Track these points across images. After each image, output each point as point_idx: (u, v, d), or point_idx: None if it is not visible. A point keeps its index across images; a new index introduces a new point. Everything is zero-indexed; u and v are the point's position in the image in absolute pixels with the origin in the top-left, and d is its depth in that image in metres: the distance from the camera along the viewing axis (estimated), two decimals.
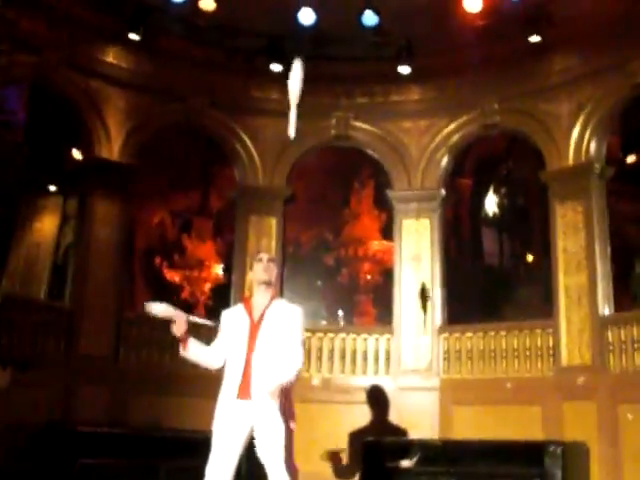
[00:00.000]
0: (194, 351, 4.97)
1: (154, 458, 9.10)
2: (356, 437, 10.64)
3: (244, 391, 4.80)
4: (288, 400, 4.92)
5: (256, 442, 4.82)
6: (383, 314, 14.32)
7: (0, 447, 9.20)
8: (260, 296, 5.03)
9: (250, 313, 4.98)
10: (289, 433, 4.85)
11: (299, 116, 6.63)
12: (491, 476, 8.95)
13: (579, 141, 11.07)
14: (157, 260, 15.72)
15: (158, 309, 4.87)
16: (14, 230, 13.43)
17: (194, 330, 5.07)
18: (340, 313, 15.18)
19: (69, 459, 8.68)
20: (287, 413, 4.86)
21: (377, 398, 11.28)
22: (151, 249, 15.69)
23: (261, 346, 4.85)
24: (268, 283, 5.03)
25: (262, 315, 4.95)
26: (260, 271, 5.04)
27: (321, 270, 16.23)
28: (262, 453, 4.81)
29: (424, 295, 11.64)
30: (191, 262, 15.68)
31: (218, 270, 15.74)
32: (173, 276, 15.70)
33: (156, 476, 8.96)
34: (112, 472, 8.82)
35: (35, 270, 13.41)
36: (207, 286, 15.69)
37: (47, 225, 13.84)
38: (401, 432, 10.83)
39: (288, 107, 5.65)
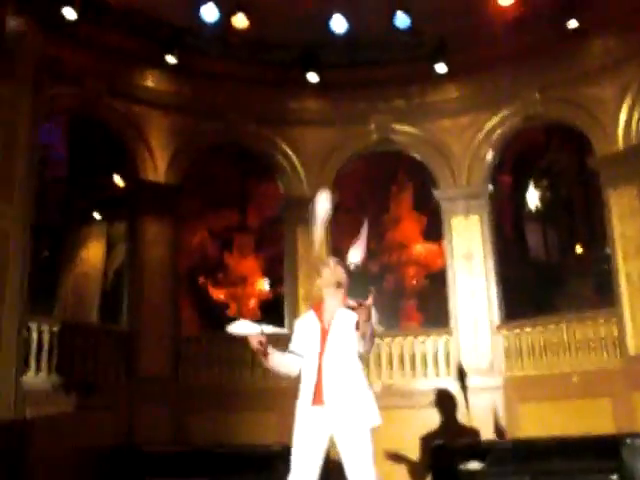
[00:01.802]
0: (276, 361, 4.93)
1: (220, 475, 9.12)
2: (422, 441, 10.57)
3: (318, 397, 4.72)
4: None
5: (338, 449, 4.76)
6: (430, 317, 14.22)
7: (70, 470, 9.29)
8: (330, 300, 4.95)
9: (321, 318, 4.93)
10: (371, 435, 4.79)
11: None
12: (566, 473, 8.84)
13: (627, 123, 10.89)
14: (201, 279, 15.71)
15: (238, 328, 4.81)
16: (60, 261, 13.55)
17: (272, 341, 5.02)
18: (380, 327, 14.96)
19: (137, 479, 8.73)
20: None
21: (440, 401, 11.18)
22: (194, 269, 15.67)
23: (331, 350, 4.79)
24: (338, 285, 4.97)
25: (332, 319, 4.89)
26: (328, 274, 4.99)
27: (366, 278, 16.11)
28: (345, 459, 4.75)
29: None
30: (235, 279, 15.66)
31: (263, 285, 15.71)
32: (218, 294, 15.69)
33: None
34: None
35: (85, 298, 13.51)
36: (252, 302, 15.66)
37: (93, 253, 13.94)
38: (468, 434, 10.73)
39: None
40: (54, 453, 9.18)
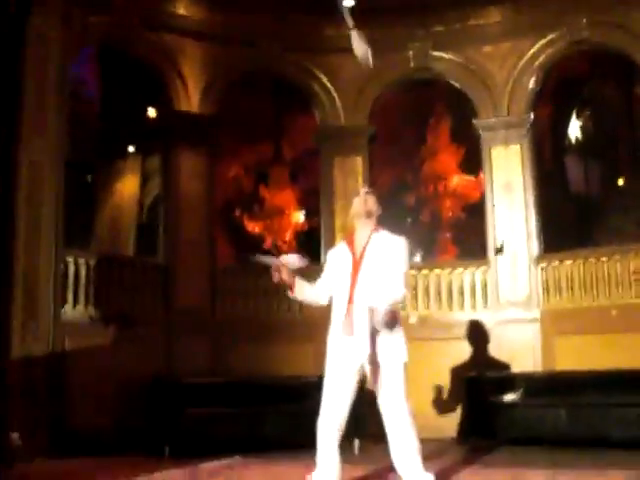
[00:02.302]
0: (301, 291, 5.02)
1: (258, 405, 9.25)
2: (457, 372, 10.54)
3: (348, 327, 4.72)
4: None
5: (369, 379, 4.75)
6: (465, 250, 14.11)
7: (108, 401, 9.49)
8: (361, 230, 4.97)
9: (352, 248, 4.93)
10: (405, 367, 4.78)
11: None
12: (601, 406, 8.80)
13: None
14: (237, 212, 15.70)
15: (263, 258, 5.02)
16: (97, 194, 13.58)
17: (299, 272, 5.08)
18: (417, 259, 14.90)
19: (176, 410, 8.87)
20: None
21: (476, 333, 11.12)
22: (229, 202, 15.66)
23: (363, 280, 4.79)
24: (368, 215, 4.94)
25: (364, 249, 4.87)
26: (358, 204, 4.98)
27: (402, 210, 16.01)
28: (377, 392, 4.74)
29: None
30: (270, 211, 15.64)
31: (298, 217, 15.67)
32: (254, 227, 15.70)
33: (263, 422, 9.01)
34: (218, 420, 9.01)
35: (121, 231, 13.57)
36: (288, 234, 15.64)
37: (128, 186, 13.96)
38: (502, 366, 10.68)
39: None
40: (93, 385, 9.36)
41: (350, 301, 4.75)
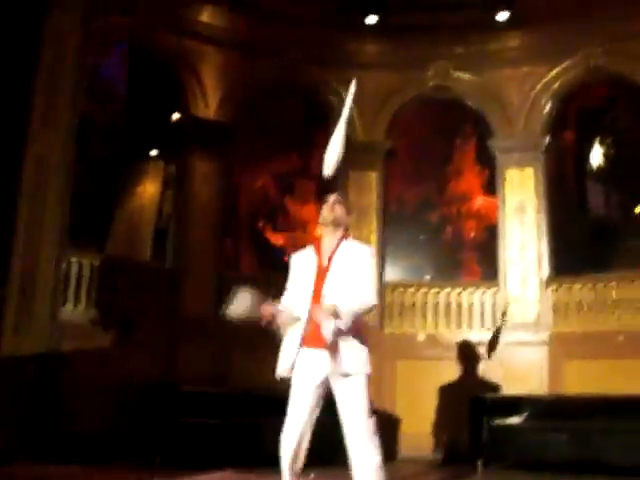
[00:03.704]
0: (288, 321, 4.61)
1: (257, 417, 8.98)
2: (463, 392, 10.48)
3: (312, 338, 4.47)
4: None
5: (334, 393, 4.66)
6: (489, 271, 14.06)
7: (106, 407, 9.30)
8: (328, 237, 4.71)
9: (319, 255, 4.67)
10: (367, 379, 4.65)
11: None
12: (605, 432, 8.68)
13: None
14: (260, 223, 15.76)
15: (239, 309, 4.62)
16: (116, 196, 13.67)
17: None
18: (427, 277, 14.90)
19: (172, 419, 8.72)
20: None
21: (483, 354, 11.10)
22: (255, 212, 15.71)
23: (329, 289, 4.54)
24: (335, 223, 4.81)
25: (331, 257, 4.67)
26: (326, 211, 4.82)
27: (425, 228, 16.01)
28: (340, 406, 4.65)
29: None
30: (295, 224, 15.65)
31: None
32: (277, 239, 15.71)
33: (259, 435, 8.89)
34: (214, 431, 8.79)
35: (139, 234, 13.62)
36: None
37: (149, 189, 14.00)
38: (509, 387, 10.61)
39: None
40: (88, 388, 9.17)
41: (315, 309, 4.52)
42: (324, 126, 13.36)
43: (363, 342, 4.58)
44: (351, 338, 4.50)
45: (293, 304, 4.67)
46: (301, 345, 4.54)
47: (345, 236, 4.77)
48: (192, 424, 8.68)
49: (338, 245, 4.70)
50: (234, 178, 13.91)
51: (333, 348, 4.41)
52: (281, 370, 4.59)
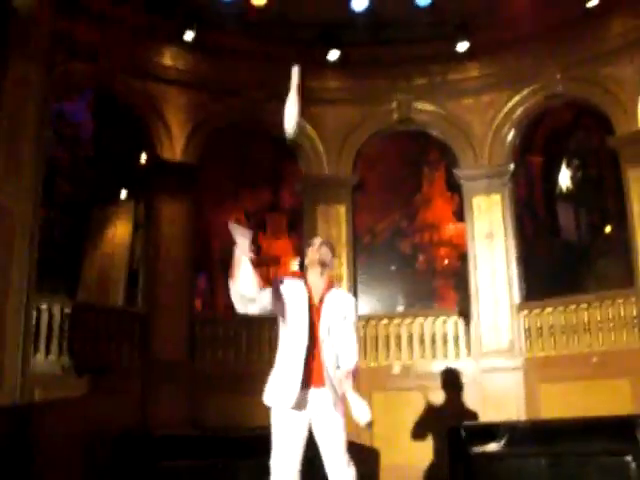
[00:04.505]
0: (245, 272, 4.61)
1: (234, 458, 8.98)
2: (439, 422, 10.50)
3: (317, 378, 4.65)
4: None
5: (315, 433, 4.70)
6: (465, 298, 14.13)
7: (81, 453, 9.27)
8: (316, 279, 4.84)
9: (310, 292, 4.79)
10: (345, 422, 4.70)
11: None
12: (582, 455, 8.72)
13: None
14: None
15: (239, 233, 4.66)
16: (86, 240, 13.63)
17: None
18: (400, 308, 15.00)
19: (148, 464, 8.69)
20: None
21: (459, 382, 11.15)
22: (228, 249, 15.70)
23: (322, 332, 4.69)
24: (322, 264, 4.86)
25: (322, 298, 4.78)
26: (312, 253, 4.90)
27: (398, 258, 16.10)
28: (323, 443, 4.69)
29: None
30: (267, 259, 15.68)
31: (294, 266, 15.72)
32: None
33: (237, 476, 8.87)
34: (192, 474, 8.78)
35: (111, 277, 13.54)
36: None
37: (120, 232, 13.95)
38: (485, 415, 10.65)
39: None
40: (63, 438, 9.07)
41: (317, 348, 4.66)
42: (292, 161, 13.55)
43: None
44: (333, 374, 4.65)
45: (267, 297, 4.64)
46: (304, 384, 4.61)
47: (332, 284, 4.86)
48: (167, 467, 8.62)
49: (328, 289, 4.78)
50: (205, 217, 13.95)
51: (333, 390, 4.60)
52: (283, 403, 4.64)
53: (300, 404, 4.62)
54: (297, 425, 4.64)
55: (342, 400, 4.66)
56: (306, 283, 4.83)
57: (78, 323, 10.07)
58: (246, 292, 4.57)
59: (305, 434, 4.67)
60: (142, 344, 10.90)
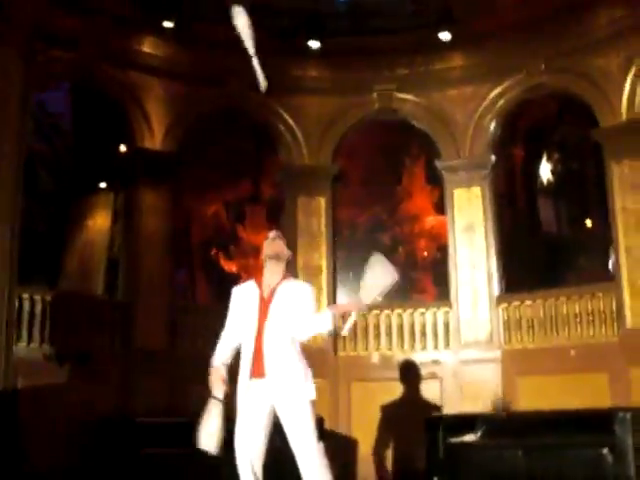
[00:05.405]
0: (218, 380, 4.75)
1: None
2: (418, 413, 10.50)
3: (258, 369, 4.67)
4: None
5: (281, 421, 4.70)
6: (445, 291, 14.15)
7: (63, 442, 9.26)
8: (270, 272, 4.88)
9: (261, 288, 4.84)
10: (312, 406, 4.71)
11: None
12: (559, 447, 8.72)
13: (631, 95, 10.67)
14: (213, 251, 15.72)
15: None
16: (67, 230, 13.58)
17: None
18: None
19: (131, 451, 8.68)
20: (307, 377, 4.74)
21: (437, 373, 11.18)
22: (208, 241, 15.69)
23: (272, 322, 4.72)
24: (276, 258, 4.89)
25: (273, 291, 4.81)
26: (267, 247, 4.94)
27: (378, 250, 16.00)
28: (288, 432, 4.70)
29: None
30: (246, 250, 15.62)
31: None
32: (231, 266, 15.68)
33: (218, 464, 8.85)
34: (174, 461, 8.71)
35: (91, 267, 13.51)
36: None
37: (100, 222, 13.92)
38: (463, 406, 10.68)
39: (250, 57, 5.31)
40: (46, 425, 9.16)
41: (258, 342, 4.69)
42: (273, 151, 13.51)
43: (306, 368, 4.74)
44: (295, 364, 4.69)
45: (235, 338, 4.85)
46: (250, 377, 4.67)
47: (287, 275, 4.89)
48: (151, 455, 8.63)
49: (281, 281, 4.81)
50: (185, 207, 13.90)
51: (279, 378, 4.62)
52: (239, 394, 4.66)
53: (252, 394, 4.66)
54: (251, 415, 4.66)
55: (305, 389, 4.67)
56: (258, 280, 4.90)
57: (60, 312, 10.09)
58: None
59: (261, 424, 4.67)
60: (123, 332, 10.92)
